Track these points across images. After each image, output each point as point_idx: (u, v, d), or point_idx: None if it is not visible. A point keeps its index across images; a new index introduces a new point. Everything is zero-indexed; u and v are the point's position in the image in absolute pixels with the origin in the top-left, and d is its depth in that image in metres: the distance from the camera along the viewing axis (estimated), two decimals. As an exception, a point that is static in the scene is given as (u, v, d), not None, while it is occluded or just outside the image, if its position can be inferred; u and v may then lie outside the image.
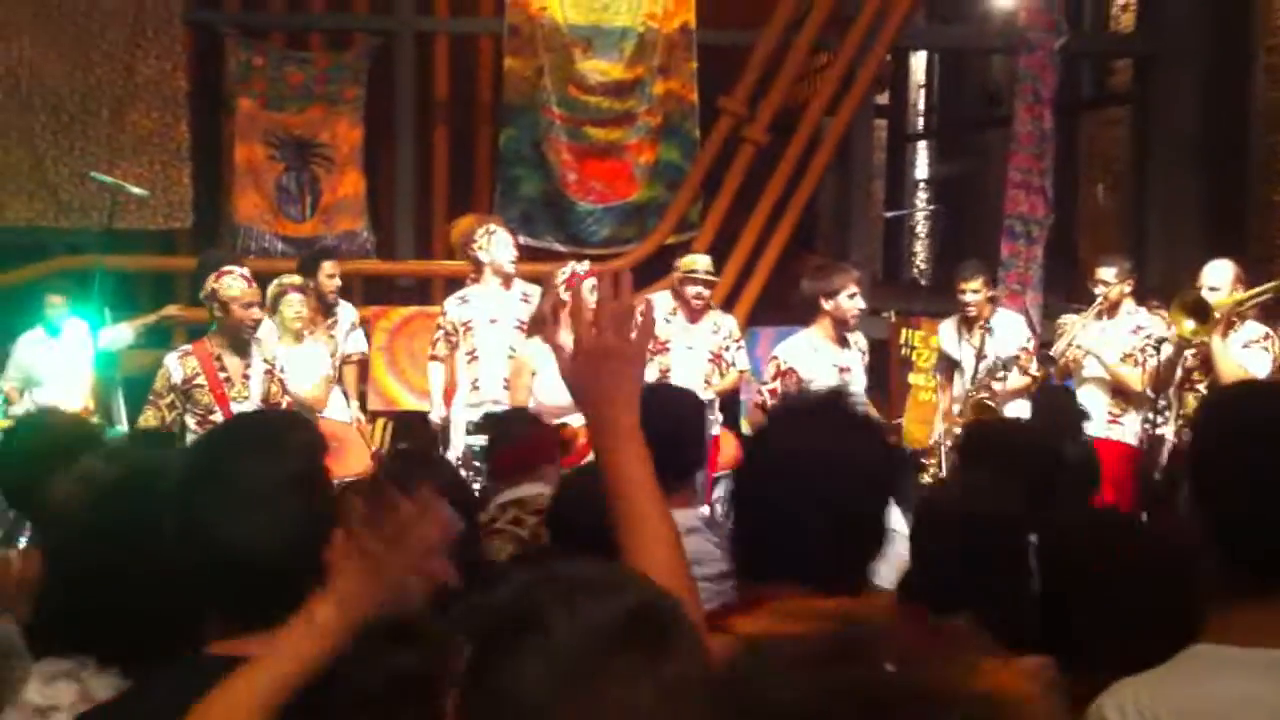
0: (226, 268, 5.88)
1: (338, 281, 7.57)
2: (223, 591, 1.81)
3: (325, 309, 7.35)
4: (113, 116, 8.99)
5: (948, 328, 7.32)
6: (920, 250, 13.31)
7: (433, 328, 7.09)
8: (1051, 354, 7.16)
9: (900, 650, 1.04)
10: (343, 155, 9.37)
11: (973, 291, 7.04)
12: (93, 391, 6.64)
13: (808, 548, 1.85)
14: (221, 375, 5.79)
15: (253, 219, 9.17)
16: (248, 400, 5.75)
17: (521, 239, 8.28)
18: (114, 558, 1.97)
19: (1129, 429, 6.78)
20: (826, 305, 6.21)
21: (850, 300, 6.19)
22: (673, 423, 3.25)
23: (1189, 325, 6.23)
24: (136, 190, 7.75)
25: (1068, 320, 7.28)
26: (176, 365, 5.80)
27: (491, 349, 6.67)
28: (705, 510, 2.62)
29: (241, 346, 5.89)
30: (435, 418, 6.94)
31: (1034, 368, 7.05)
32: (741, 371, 7.27)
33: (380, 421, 8.17)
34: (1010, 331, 7.13)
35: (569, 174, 9.38)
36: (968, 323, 7.13)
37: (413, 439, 7.71)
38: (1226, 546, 1.85)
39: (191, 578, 1.83)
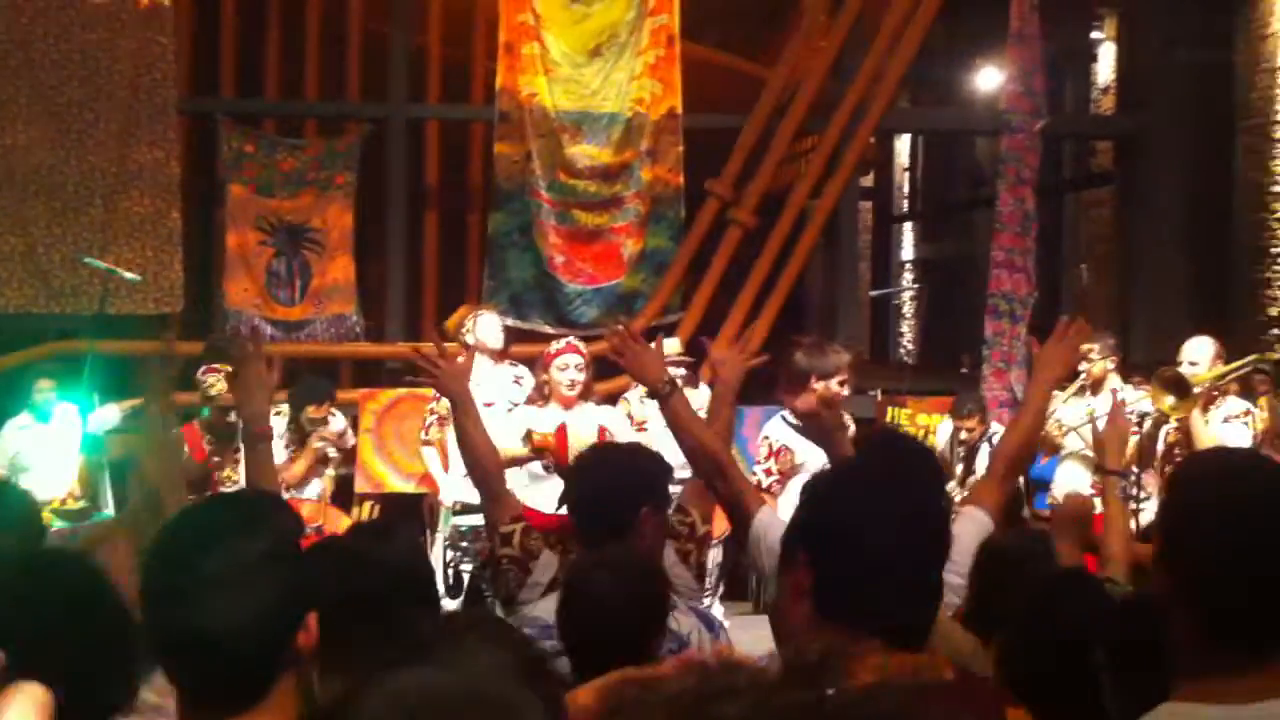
0: (212, 365, 5.96)
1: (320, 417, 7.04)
2: (189, 672, 1.76)
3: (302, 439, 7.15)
4: (106, 203, 9.08)
5: (945, 429, 7.62)
6: (906, 330, 13.40)
7: (422, 410, 7.09)
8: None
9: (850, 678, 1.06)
10: (333, 240, 9.46)
11: (967, 430, 7.42)
12: (80, 476, 6.66)
13: (898, 602, 1.83)
14: (214, 460, 5.83)
15: (243, 304, 9.23)
16: (236, 483, 5.76)
17: (510, 321, 8.33)
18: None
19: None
20: (816, 386, 6.24)
21: (839, 386, 6.20)
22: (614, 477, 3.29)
23: (1169, 401, 6.27)
24: (129, 275, 7.81)
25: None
26: None
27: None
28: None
29: (230, 431, 5.92)
30: (447, 499, 6.88)
31: None
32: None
33: (367, 504, 8.16)
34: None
35: (557, 256, 9.47)
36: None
37: (398, 519, 7.70)
38: (1196, 610, 1.87)
39: (160, 657, 1.80)
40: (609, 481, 3.23)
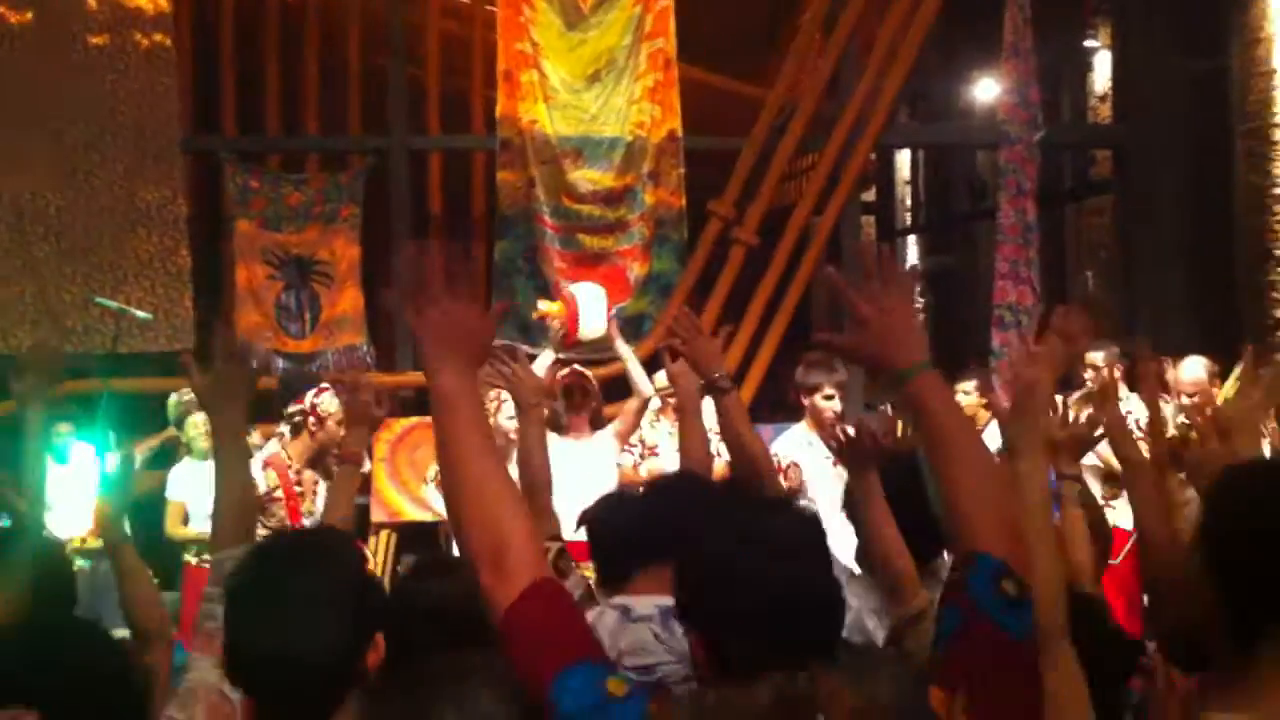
0: (322, 385, 5.98)
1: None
2: (271, 688, 1.96)
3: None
4: (114, 243, 9.17)
5: None
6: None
7: (432, 438, 7.12)
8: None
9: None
10: (341, 271, 9.54)
11: (963, 394, 7.18)
12: (98, 515, 6.67)
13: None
14: (297, 489, 5.86)
15: (254, 337, 9.30)
16: (313, 515, 5.79)
17: (525, 349, 8.38)
18: None
19: (1122, 513, 6.81)
20: (805, 401, 6.29)
21: (825, 401, 6.22)
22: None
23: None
24: (141, 314, 7.88)
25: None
26: (261, 477, 5.79)
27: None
28: (669, 602, 2.48)
29: (318, 462, 5.99)
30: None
31: None
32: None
33: (384, 533, 8.20)
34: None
35: (564, 282, 9.52)
36: None
37: (418, 550, 7.73)
38: (1239, 613, 1.88)
39: (240, 677, 2.00)
40: (611, 537, 3.22)
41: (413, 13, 10.09)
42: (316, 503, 5.85)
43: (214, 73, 10.08)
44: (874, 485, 3.20)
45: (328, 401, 5.80)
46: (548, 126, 9.63)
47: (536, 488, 3.49)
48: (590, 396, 6.63)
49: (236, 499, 2.71)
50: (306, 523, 5.64)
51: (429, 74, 10.20)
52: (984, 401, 7.21)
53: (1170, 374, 6.78)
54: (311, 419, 5.88)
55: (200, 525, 6.55)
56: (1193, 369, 6.48)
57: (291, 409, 5.94)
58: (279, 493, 5.80)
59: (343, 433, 5.75)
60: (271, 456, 5.91)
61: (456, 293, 1.91)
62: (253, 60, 10.05)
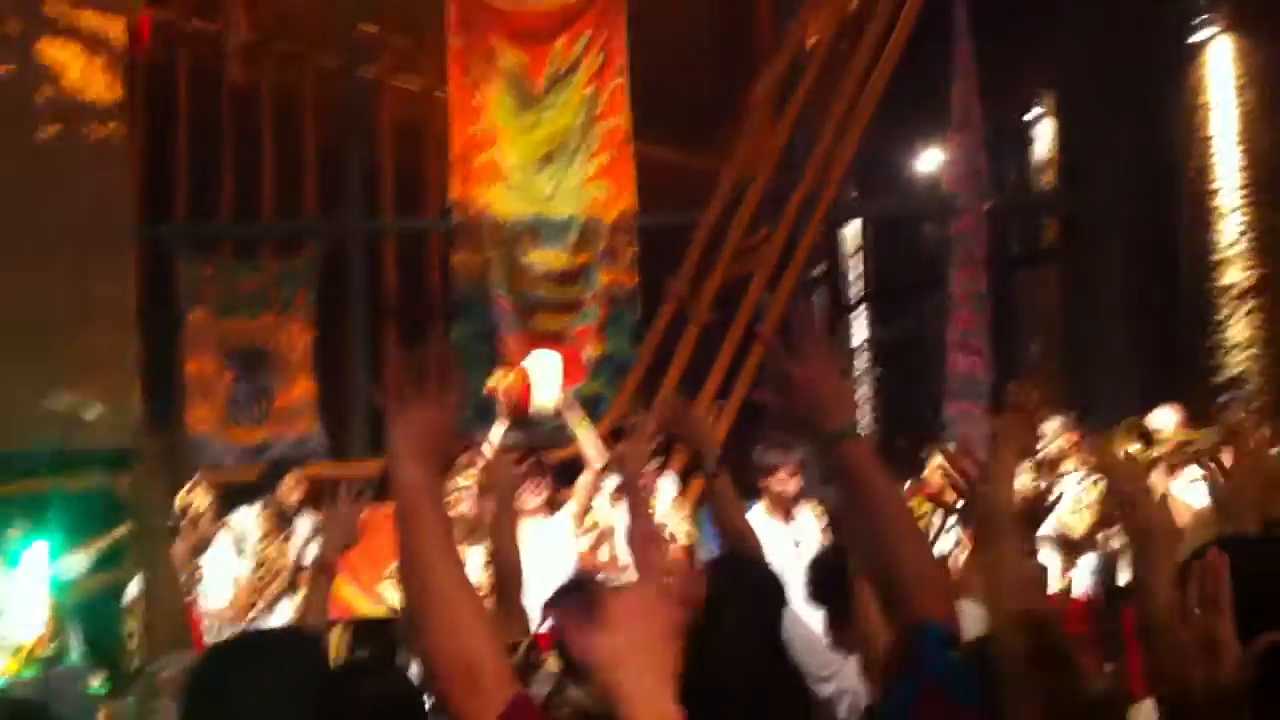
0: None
1: (298, 495, 7.40)
2: None
3: (284, 523, 7.28)
4: (65, 338, 9.07)
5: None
6: (867, 414, 13.49)
7: (390, 530, 7.07)
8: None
9: None
10: (294, 360, 9.51)
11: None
12: (50, 620, 6.60)
13: None
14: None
15: (205, 430, 9.23)
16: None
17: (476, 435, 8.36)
18: None
19: (1078, 582, 6.84)
20: (761, 483, 6.31)
21: (786, 480, 6.25)
22: None
23: (1135, 447, 6.34)
24: (90, 411, 7.80)
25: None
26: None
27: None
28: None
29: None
30: None
31: None
32: (684, 543, 7.20)
33: (338, 629, 8.09)
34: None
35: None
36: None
37: (373, 646, 7.63)
38: None
39: None
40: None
41: (366, 98, 10.15)
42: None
43: (167, 160, 10.06)
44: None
45: (198, 499, 5.87)
46: (502, 208, 9.69)
47: (510, 584, 3.51)
48: (546, 476, 6.62)
49: (170, 605, 2.71)
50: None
51: (383, 158, 10.25)
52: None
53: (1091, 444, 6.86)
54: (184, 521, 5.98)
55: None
56: (1164, 417, 6.57)
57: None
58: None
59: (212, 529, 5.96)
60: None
61: (436, 392, 1.88)
62: (206, 147, 10.06)
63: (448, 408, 1.90)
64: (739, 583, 2.95)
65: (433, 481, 1.85)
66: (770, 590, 2.96)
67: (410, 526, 1.80)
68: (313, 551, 7.49)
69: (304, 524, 7.64)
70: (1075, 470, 6.95)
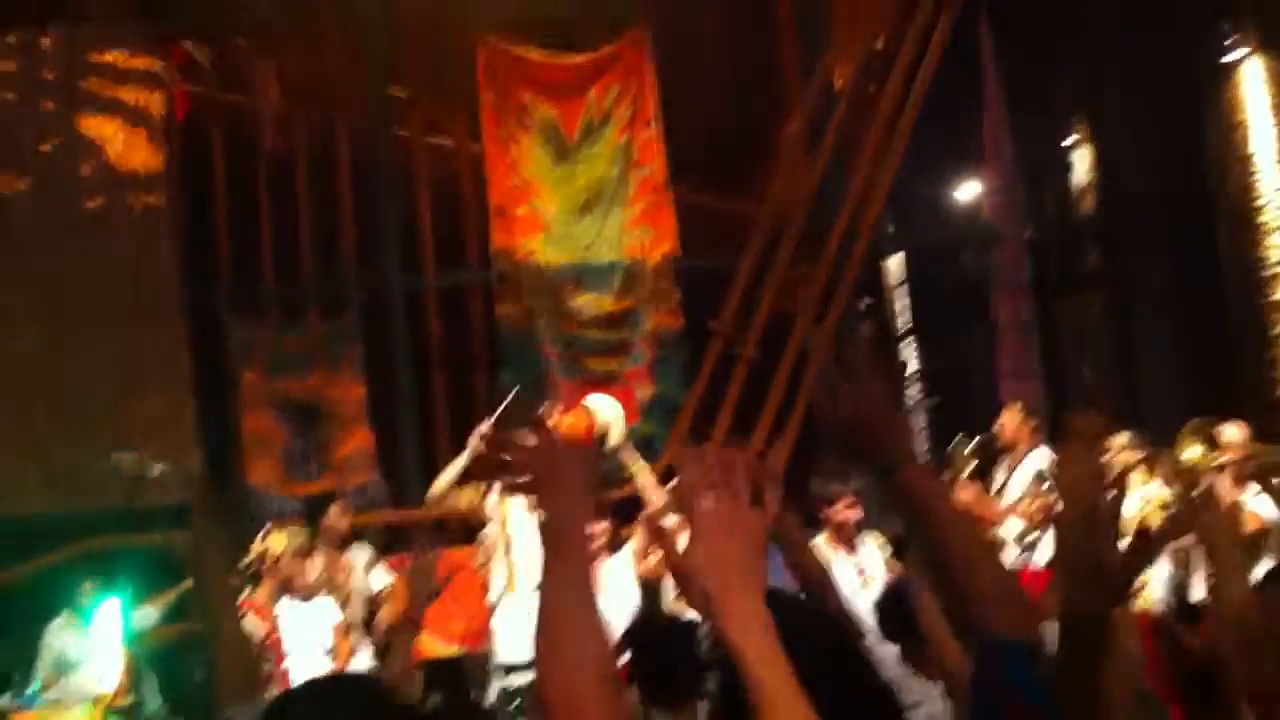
0: (267, 527, 6.14)
1: (346, 522, 7.58)
2: None
3: (340, 546, 7.42)
4: (117, 404, 9.12)
5: None
6: (922, 442, 13.44)
7: (451, 569, 7.11)
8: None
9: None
10: (348, 413, 9.57)
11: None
12: (125, 671, 6.65)
13: None
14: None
15: (266, 485, 9.30)
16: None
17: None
18: None
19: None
20: (823, 513, 6.28)
21: (846, 510, 6.23)
22: None
23: (1198, 450, 6.32)
24: (156, 469, 7.88)
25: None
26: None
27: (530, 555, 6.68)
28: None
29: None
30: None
31: None
32: None
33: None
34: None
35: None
36: None
37: (443, 686, 7.64)
38: None
39: None
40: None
41: (400, 156, 10.27)
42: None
43: (208, 227, 10.20)
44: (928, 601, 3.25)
45: (275, 542, 5.96)
46: (543, 257, 9.75)
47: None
48: (605, 517, 6.63)
49: (239, 653, 2.73)
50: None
51: (420, 214, 10.36)
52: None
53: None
54: (264, 564, 6.11)
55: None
56: (1233, 431, 6.57)
57: (243, 562, 6.11)
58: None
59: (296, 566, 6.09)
60: (246, 601, 5.99)
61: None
62: (245, 212, 10.19)
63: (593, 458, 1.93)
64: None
65: (586, 520, 1.87)
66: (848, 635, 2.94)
67: (558, 558, 1.81)
68: (378, 577, 7.59)
69: (360, 553, 7.70)
70: (1141, 485, 6.91)
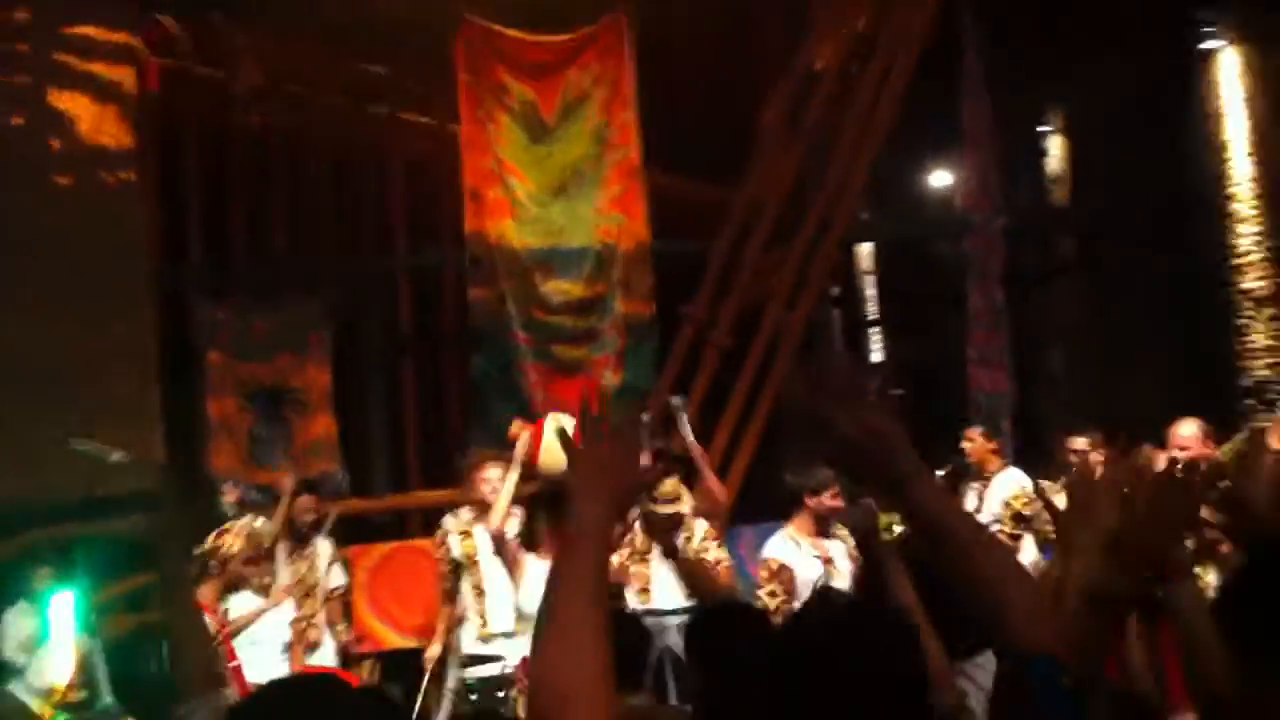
0: (223, 528, 6.10)
1: (311, 516, 7.59)
2: None
3: (298, 540, 7.41)
4: (86, 383, 9.05)
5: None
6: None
7: (415, 562, 7.08)
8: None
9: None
10: (314, 399, 9.49)
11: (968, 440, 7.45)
12: (78, 664, 6.56)
13: None
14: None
15: (228, 471, 9.21)
16: None
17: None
18: None
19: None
20: (810, 501, 6.25)
21: (833, 500, 6.22)
22: None
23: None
24: (115, 456, 7.78)
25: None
26: None
27: (499, 583, 6.65)
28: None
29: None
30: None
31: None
32: (727, 567, 7.15)
33: (367, 664, 8.06)
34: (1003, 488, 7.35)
35: (539, 395, 9.49)
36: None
37: (403, 679, 7.61)
38: None
39: None
40: None
41: (376, 135, 10.17)
42: None
43: (180, 205, 10.09)
44: (904, 582, 3.23)
45: (229, 543, 5.91)
46: (516, 240, 9.67)
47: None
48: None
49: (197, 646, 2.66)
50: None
51: (395, 195, 10.27)
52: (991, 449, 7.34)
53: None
54: (213, 562, 6.15)
55: None
56: (1187, 427, 6.52)
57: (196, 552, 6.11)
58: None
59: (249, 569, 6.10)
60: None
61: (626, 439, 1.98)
62: (218, 190, 10.08)
63: (634, 457, 1.97)
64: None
65: (609, 524, 1.90)
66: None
67: (569, 558, 1.84)
68: (336, 576, 7.54)
69: (324, 546, 7.66)
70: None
